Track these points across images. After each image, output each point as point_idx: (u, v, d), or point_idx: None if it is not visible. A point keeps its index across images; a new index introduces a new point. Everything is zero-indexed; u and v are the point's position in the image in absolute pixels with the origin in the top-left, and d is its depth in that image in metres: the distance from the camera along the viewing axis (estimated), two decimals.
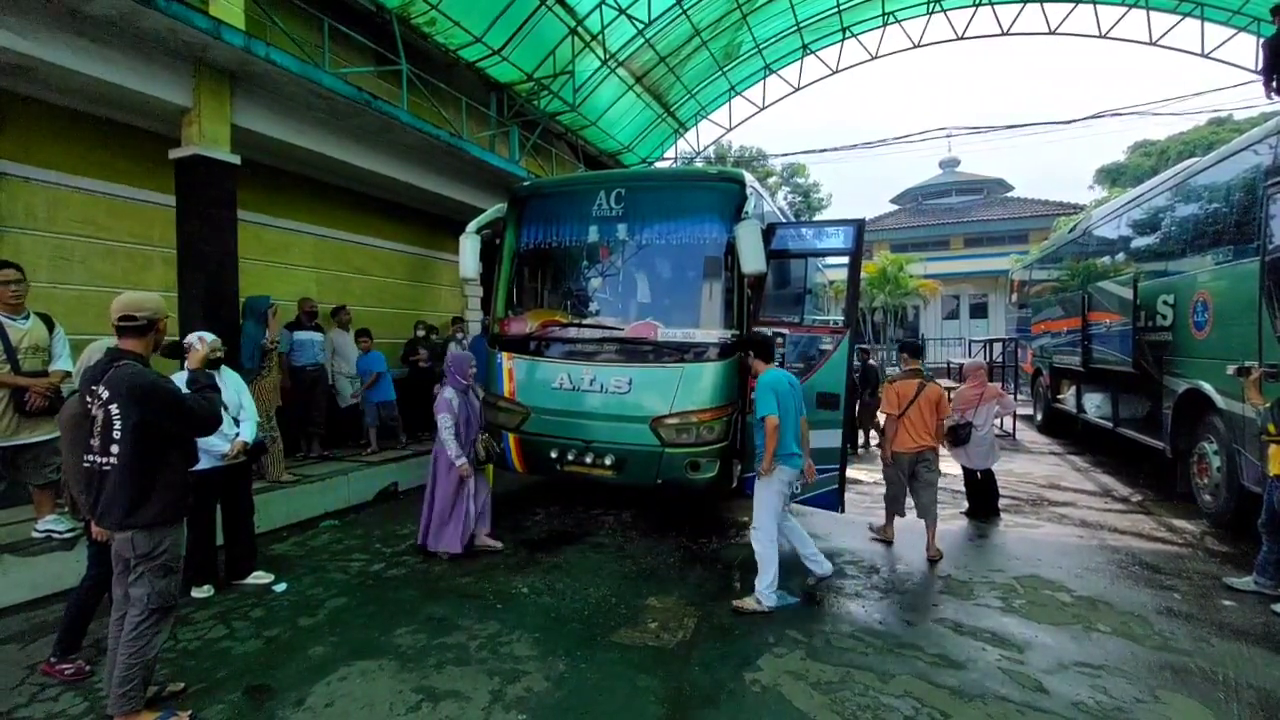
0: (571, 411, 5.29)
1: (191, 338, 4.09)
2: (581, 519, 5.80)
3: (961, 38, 13.25)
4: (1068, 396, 9.72)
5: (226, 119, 5.54)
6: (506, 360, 5.65)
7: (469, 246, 5.86)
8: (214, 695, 2.88)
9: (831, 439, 4.92)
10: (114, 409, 2.59)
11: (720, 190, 5.38)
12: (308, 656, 3.24)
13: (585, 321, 5.56)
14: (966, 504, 6.06)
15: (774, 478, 4.00)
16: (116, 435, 2.59)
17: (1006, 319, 16.95)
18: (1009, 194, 30.90)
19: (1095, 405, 8.53)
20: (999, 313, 22.99)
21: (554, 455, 5.31)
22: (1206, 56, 11.65)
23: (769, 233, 5.30)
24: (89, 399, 2.65)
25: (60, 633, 3.04)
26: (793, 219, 27.98)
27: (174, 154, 5.41)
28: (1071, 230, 10.34)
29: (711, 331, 5.14)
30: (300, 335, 6.77)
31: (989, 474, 5.96)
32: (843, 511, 5.04)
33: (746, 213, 5.05)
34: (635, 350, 5.23)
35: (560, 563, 4.65)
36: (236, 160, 5.60)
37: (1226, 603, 3.99)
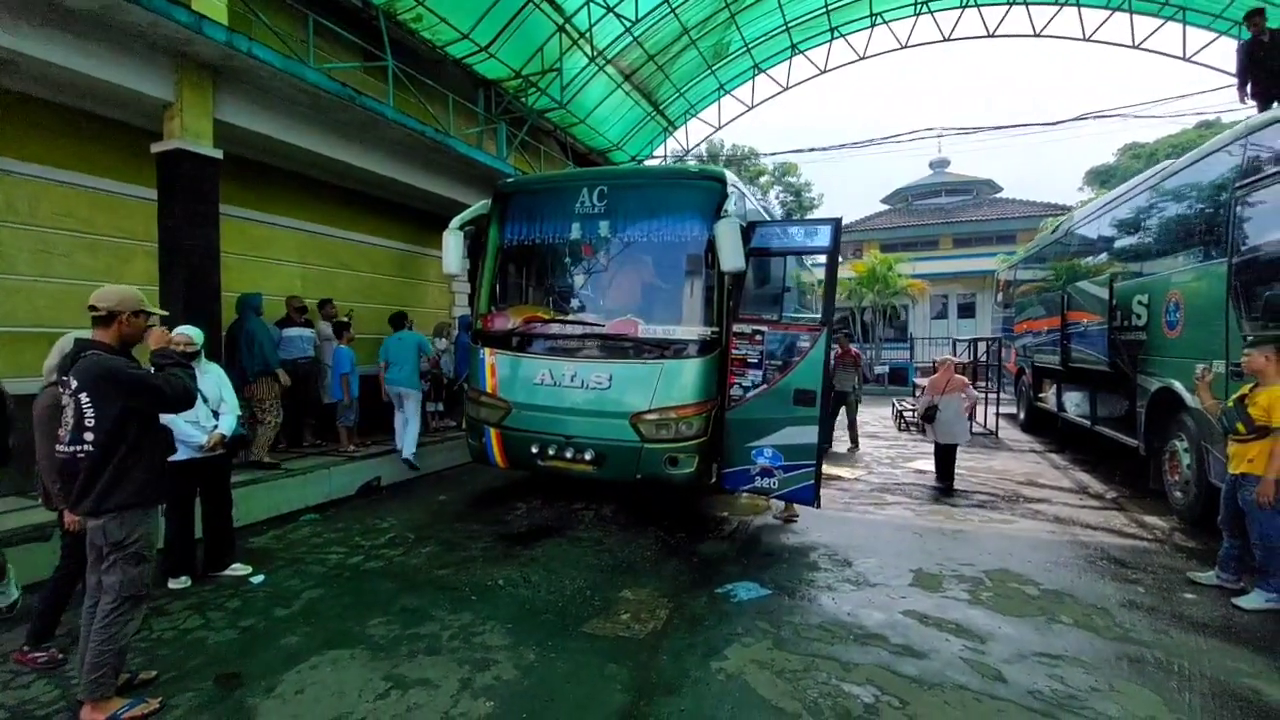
0: (552, 407, 5.35)
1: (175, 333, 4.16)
2: (562, 513, 5.85)
3: (948, 39, 13.35)
4: (1049, 395, 9.85)
5: (209, 113, 5.56)
6: (489, 356, 5.69)
7: (452, 243, 5.90)
8: (184, 683, 2.91)
9: (807, 435, 4.97)
10: (84, 397, 2.63)
11: (701, 188, 5.43)
12: (280, 646, 3.28)
13: (567, 318, 5.61)
14: (936, 480, 7.06)
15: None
16: (89, 423, 2.62)
17: (993, 319, 17.08)
18: (998, 195, 31.10)
19: (1074, 404, 8.65)
20: (986, 312, 23.15)
21: (534, 450, 5.37)
22: (1189, 60, 11.80)
23: (749, 231, 5.35)
24: (61, 389, 2.68)
25: (33, 622, 3.07)
26: (779, 218, 28.11)
27: (155, 148, 5.42)
28: (1054, 231, 10.46)
29: (691, 328, 5.19)
30: (290, 331, 6.93)
31: (952, 448, 7.06)
32: (818, 507, 5.10)
33: (726, 211, 5.10)
34: (616, 347, 5.28)
35: (538, 555, 4.70)
36: (218, 154, 5.61)
37: (1188, 596, 4.08)
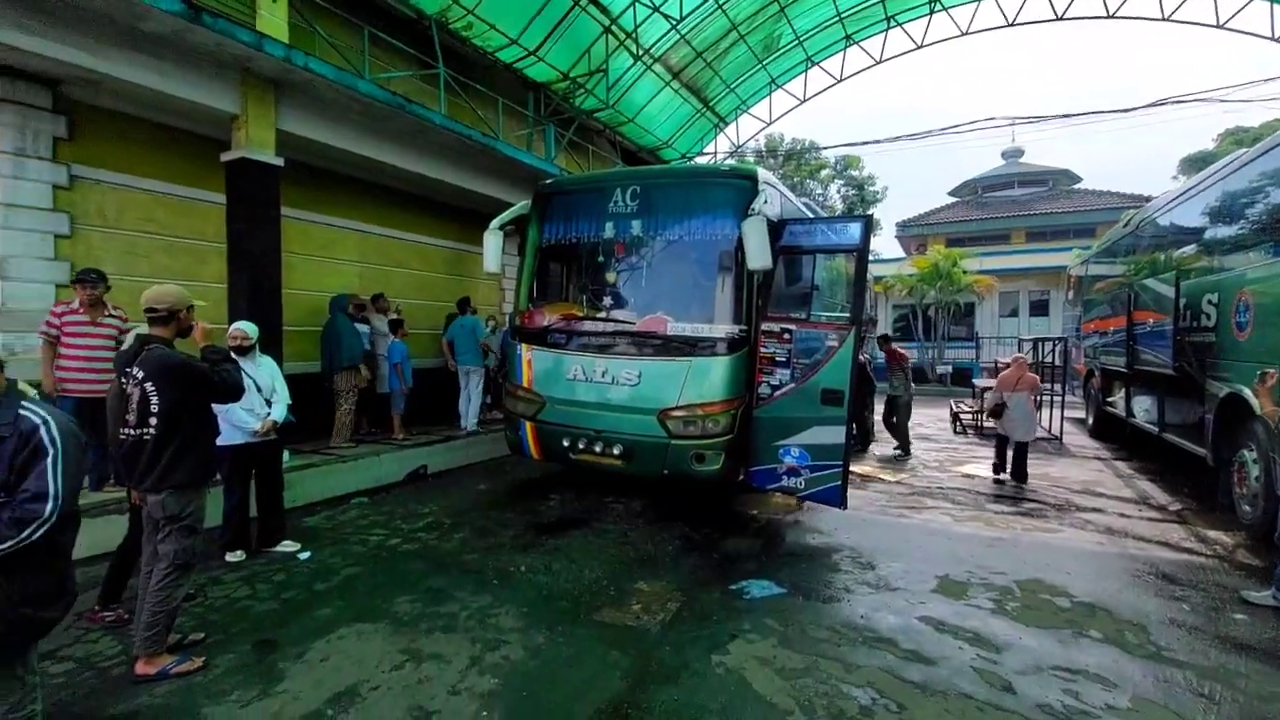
0: (584, 402, 5.50)
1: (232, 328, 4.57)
2: (593, 506, 6.00)
3: (1012, 24, 12.67)
4: (1117, 399, 9.28)
5: (271, 124, 5.98)
6: (525, 351, 5.90)
7: (492, 242, 6.15)
8: (227, 646, 3.22)
9: (835, 435, 4.93)
10: (149, 387, 2.95)
11: (732, 186, 5.44)
12: (315, 617, 3.56)
13: (598, 315, 5.74)
14: (993, 468, 7.49)
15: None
16: (154, 409, 2.95)
17: (1064, 318, 16.15)
18: (1077, 186, 29.27)
19: (1143, 409, 8.14)
20: (1060, 311, 21.84)
21: (566, 444, 5.54)
22: (1279, 40, 10.78)
23: (779, 229, 5.33)
24: (123, 379, 3.01)
25: (103, 585, 3.46)
26: (840, 214, 27.31)
27: (224, 157, 5.89)
28: (1126, 224, 9.82)
29: (719, 326, 5.23)
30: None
31: (1022, 445, 7.24)
32: (844, 508, 5.05)
33: (754, 209, 5.09)
34: (645, 343, 5.38)
35: (562, 545, 4.86)
36: (280, 162, 6.04)
37: (1238, 616, 3.83)
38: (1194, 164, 28.84)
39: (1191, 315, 6.26)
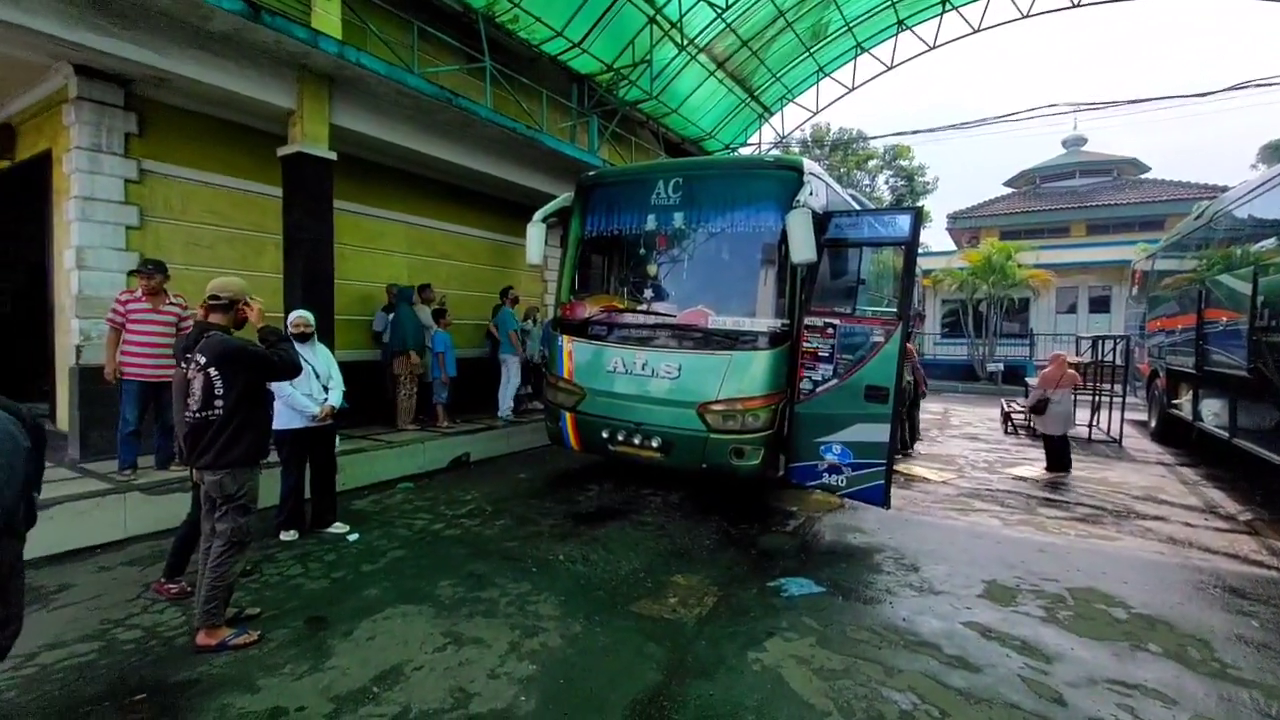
0: (623, 394, 5.53)
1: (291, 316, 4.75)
2: (631, 497, 6.03)
3: (1077, 4, 12.03)
4: (1184, 401, 8.79)
5: (325, 119, 6.17)
6: (567, 343, 5.96)
7: (535, 234, 6.21)
8: (281, 621, 3.36)
9: (879, 433, 4.82)
10: (213, 371, 3.09)
11: (777, 178, 5.35)
12: (362, 597, 3.69)
13: (639, 308, 5.75)
14: (1046, 466, 7.61)
15: None
16: (219, 392, 3.09)
17: (1127, 315, 15.35)
18: (1144, 175, 27.73)
19: (1212, 412, 7.68)
20: (1122, 308, 20.79)
21: (605, 435, 5.58)
22: None
23: (824, 221, 5.23)
24: (184, 364, 3.16)
25: (168, 559, 3.65)
26: (889, 205, 26.56)
27: (281, 151, 6.10)
28: (1198, 216, 9.24)
29: (761, 320, 5.17)
30: (392, 316, 7.58)
31: (1064, 439, 7.52)
32: (888, 508, 4.94)
33: (799, 201, 5.00)
34: (686, 337, 5.36)
35: (600, 535, 4.90)
36: (333, 156, 6.23)
37: None
38: (1275, 152, 26.97)
39: (1270, 314, 5.86)
